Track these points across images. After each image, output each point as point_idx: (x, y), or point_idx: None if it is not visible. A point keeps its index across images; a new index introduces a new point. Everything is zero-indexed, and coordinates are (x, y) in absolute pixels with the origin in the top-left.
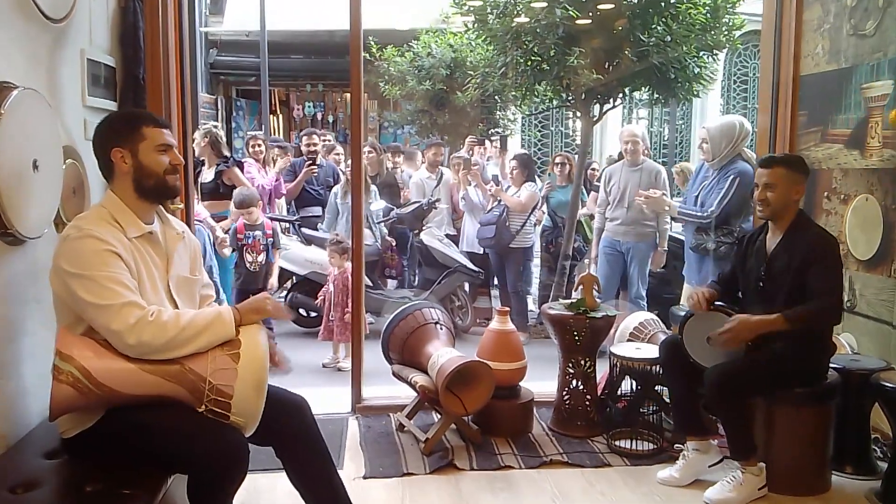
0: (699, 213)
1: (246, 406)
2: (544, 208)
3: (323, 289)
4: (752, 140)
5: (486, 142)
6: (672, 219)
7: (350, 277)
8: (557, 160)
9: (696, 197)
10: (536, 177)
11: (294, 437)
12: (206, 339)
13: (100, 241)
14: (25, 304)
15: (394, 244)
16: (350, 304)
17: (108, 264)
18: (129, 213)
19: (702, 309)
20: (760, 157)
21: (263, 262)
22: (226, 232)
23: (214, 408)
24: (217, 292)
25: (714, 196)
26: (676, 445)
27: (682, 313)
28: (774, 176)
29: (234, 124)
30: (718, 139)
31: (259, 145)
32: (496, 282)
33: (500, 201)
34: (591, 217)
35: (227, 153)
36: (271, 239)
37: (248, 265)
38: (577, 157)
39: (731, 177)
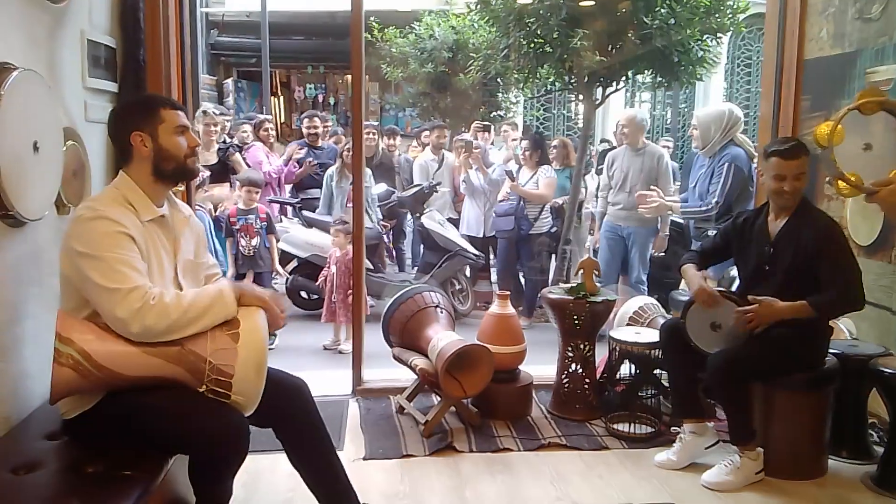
0: (702, 208)
1: (246, 386)
2: None
3: (323, 270)
4: (754, 125)
5: (492, 127)
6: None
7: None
8: (554, 143)
9: (695, 188)
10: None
11: (293, 418)
12: (209, 320)
13: (112, 223)
14: (27, 287)
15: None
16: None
17: (120, 246)
18: (142, 196)
19: (712, 301)
20: (782, 147)
21: (258, 246)
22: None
23: (215, 388)
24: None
25: (714, 186)
26: (673, 429)
27: (683, 298)
28: (804, 166)
29: (235, 106)
30: (707, 125)
31: (269, 129)
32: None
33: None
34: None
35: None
36: (265, 223)
37: (241, 249)
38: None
39: (726, 164)
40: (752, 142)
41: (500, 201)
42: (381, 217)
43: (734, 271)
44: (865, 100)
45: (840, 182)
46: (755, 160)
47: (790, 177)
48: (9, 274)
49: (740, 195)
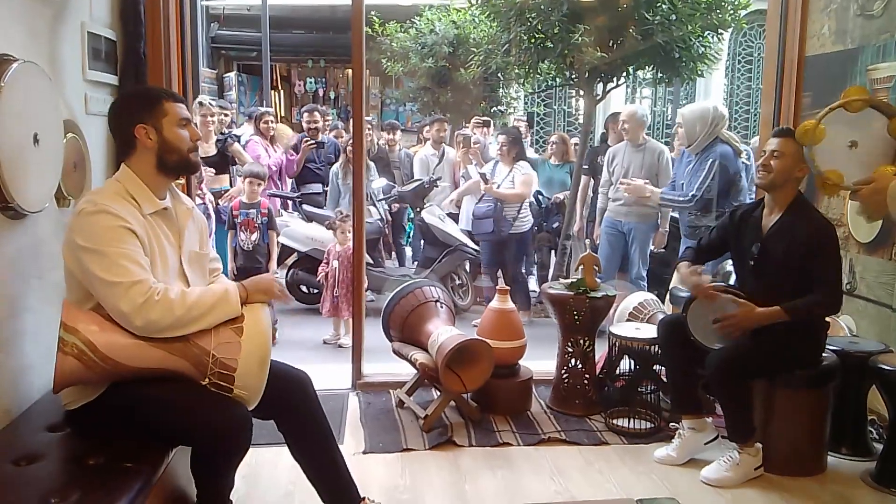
0: (680, 198)
1: (249, 379)
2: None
3: (321, 266)
4: (755, 121)
5: (491, 122)
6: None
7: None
8: (553, 138)
9: (682, 185)
10: (535, 152)
11: (296, 411)
12: (213, 318)
13: (114, 217)
14: (27, 280)
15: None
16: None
17: (121, 240)
18: (144, 189)
19: (710, 296)
20: (776, 128)
21: (257, 242)
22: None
23: (218, 381)
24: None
25: (694, 180)
26: (672, 424)
27: (683, 294)
28: (784, 145)
29: (238, 100)
30: (692, 123)
31: (270, 122)
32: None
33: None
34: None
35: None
36: (266, 218)
37: (241, 243)
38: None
39: (711, 160)
40: (745, 138)
41: (478, 203)
42: (387, 210)
43: (729, 266)
44: (851, 98)
45: (820, 182)
46: (742, 155)
47: (768, 151)
48: (9, 266)
49: (729, 190)
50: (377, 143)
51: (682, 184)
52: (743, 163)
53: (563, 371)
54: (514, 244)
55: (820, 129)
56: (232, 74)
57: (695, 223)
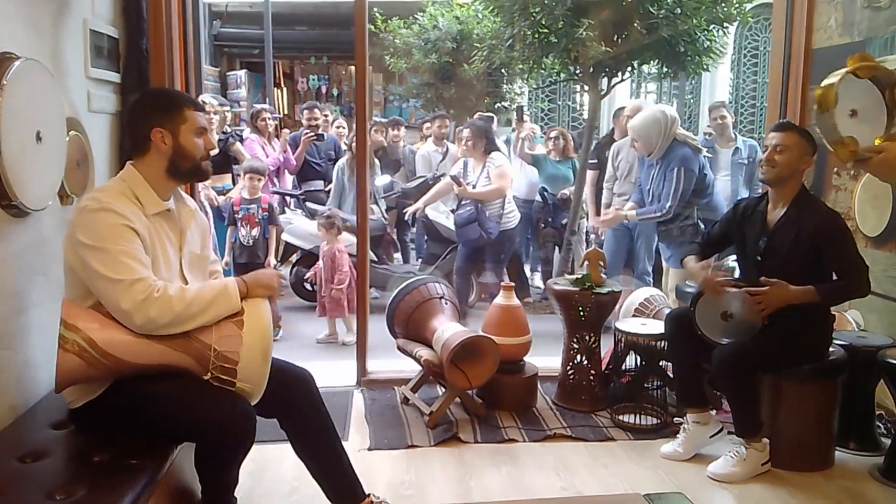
0: (658, 213)
1: (252, 372)
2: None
3: (314, 266)
4: (761, 115)
5: (495, 117)
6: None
7: (337, 253)
8: (552, 133)
9: (650, 190)
10: (539, 143)
11: (298, 408)
12: (213, 314)
13: (117, 215)
14: (31, 276)
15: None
16: (336, 280)
17: (124, 238)
18: (149, 190)
19: (720, 289)
20: (776, 122)
21: (258, 237)
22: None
23: (221, 375)
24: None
25: (666, 190)
26: (676, 419)
27: (690, 290)
28: (788, 139)
29: (247, 98)
30: (647, 133)
31: (266, 119)
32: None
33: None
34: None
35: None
36: (267, 213)
37: (241, 238)
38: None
39: (676, 167)
40: (751, 132)
41: (457, 210)
42: (385, 208)
43: (731, 261)
44: (860, 63)
45: (838, 147)
46: (703, 153)
47: (771, 146)
48: (13, 263)
49: (697, 189)
50: (387, 141)
51: (650, 190)
52: (705, 156)
53: (569, 367)
54: (506, 243)
55: (835, 92)
56: (242, 73)
57: (665, 229)
